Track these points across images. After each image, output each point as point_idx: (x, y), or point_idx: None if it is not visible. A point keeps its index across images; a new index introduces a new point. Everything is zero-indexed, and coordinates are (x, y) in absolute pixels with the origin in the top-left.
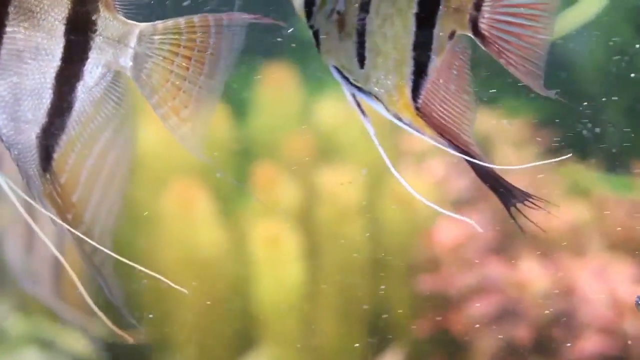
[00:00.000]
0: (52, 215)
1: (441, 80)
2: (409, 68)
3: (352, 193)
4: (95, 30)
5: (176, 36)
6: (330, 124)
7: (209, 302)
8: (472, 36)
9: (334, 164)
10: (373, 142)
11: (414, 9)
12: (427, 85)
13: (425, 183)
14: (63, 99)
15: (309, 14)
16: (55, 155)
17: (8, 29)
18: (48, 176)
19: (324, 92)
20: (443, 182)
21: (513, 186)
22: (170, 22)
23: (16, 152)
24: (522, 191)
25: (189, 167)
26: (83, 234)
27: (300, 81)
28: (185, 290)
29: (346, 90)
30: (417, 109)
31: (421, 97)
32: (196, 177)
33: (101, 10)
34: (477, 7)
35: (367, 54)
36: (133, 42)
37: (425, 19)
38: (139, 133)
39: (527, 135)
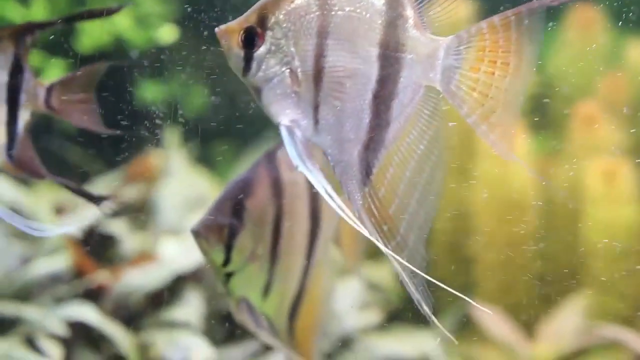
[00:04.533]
0: (366, 231)
1: None
2: None
3: None
4: (406, 50)
5: (480, 42)
6: None
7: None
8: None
9: None
10: None
11: None
12: None
13: None
14: (381, 117)
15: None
16: (374, 170)
17: (329, 58)
18: (368, 190)
19: (636, 34)
20: None
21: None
22: (473, 29)
23: (339, 170)
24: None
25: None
26: (396, 244)
27: (609, 22)
28: None
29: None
30: None
31: None
32: None
33: (410, 30)
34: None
35: None
36: (441, 56)
37: None
38: None
39: None
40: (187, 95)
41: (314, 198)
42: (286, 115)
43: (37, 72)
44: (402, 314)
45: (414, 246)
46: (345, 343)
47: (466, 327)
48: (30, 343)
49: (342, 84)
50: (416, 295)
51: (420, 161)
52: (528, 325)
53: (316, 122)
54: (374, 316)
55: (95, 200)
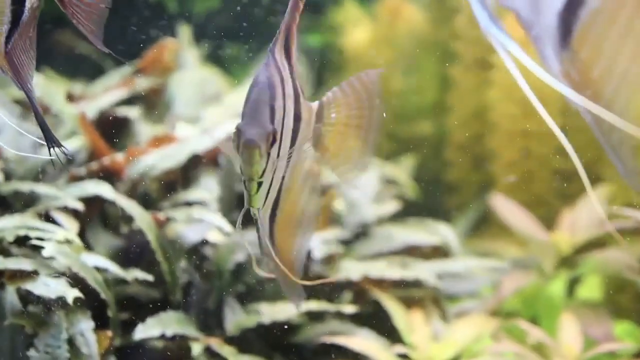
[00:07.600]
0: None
1: None
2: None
3: None
4: None
5: None
6: None
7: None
8: None
9: None
10: None
11: None
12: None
13: None
14: None
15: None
16: (575, 32)
17: None
18: (567, 54)
19: None
20: None
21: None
22: None
23: (534, 33)
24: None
25: None
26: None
27: None
28: None
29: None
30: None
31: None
32: None
33: None
34: None
35: None
36: None
37: None
38: None
39: None
40: None
41: (297, 99)
42: None
43: None
44: (419, 207)
45: (621, 107)
46: (363, 231)
47: (486, 222)
48: (46, 218)
49: None
50: (610, 145)
51: (630, 16)
52: (547, 219)
53: None
54: (390, 207)
55: (51, 143)
